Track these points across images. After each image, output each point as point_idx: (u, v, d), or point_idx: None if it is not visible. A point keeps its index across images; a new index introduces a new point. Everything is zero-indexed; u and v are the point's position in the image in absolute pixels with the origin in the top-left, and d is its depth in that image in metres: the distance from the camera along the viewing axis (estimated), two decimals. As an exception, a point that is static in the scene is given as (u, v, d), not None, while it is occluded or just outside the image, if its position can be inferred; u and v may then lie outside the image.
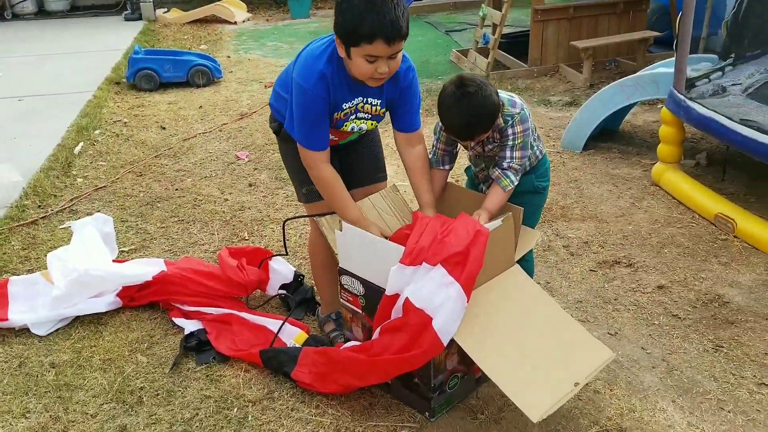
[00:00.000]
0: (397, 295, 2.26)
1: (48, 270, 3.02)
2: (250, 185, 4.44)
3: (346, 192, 2.52)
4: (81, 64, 7.49)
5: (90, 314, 3.00)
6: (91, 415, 2.49)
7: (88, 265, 2.95)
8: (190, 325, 2.91)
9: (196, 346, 2.79)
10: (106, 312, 3.03)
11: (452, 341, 2.28)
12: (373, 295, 2.43)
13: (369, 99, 2.48)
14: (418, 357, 2.22)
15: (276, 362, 2.64)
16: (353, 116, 2.50)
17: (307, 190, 2.67)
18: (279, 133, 2.67)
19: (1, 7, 10.94)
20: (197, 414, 2.47)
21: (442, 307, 2.19)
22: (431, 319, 2.18)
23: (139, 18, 10.17)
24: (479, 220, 2.42)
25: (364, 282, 2.47)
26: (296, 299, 3.07)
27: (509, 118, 2.47)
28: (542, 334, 2.38)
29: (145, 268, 3.04)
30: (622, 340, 2.80)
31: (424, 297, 2.20)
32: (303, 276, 3.21)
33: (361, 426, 2.39)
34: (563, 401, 2.19)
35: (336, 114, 2.46)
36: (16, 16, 10.88)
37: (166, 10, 10.31)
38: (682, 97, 3.78)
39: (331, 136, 2.53)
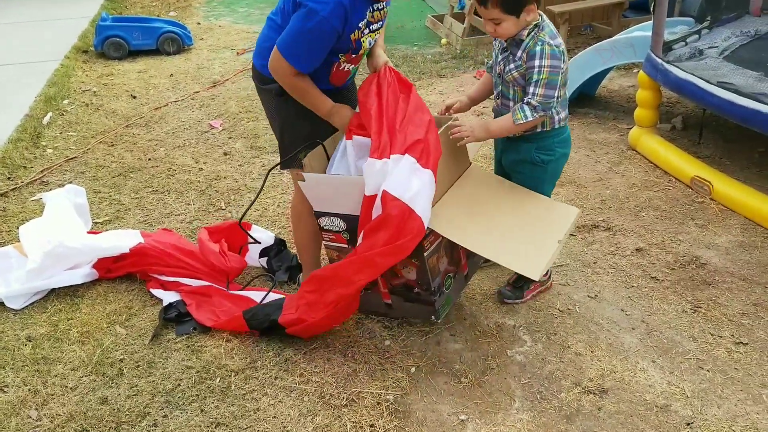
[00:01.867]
0: (375, 195, 2.30)
1: (21, 243, 2.95)
2: (225, 154, 4.37)
3: (317, 89, 2.48)
4: (46, 33, 7.25)
5: (66, 287, 2.95)
6: (71, 388, 2.45)
7: (62, 237, 2.88)
8: (168, 296, 2.87)
9: (176, 318, 2.76)
10: (82, 284, 2.97)
11: (439, 245, 2.45)
12: (354, 224, 2.45)
13: (376, 5, 2.44)
14: (406, 244, 2.26)
15: (261, 315, 2.63)
16: (367, 30, 2.45)
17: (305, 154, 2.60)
18: (283, 94, 2.54)
19: (-40, -27, 10.54)
20: (179, 384, 2.45)
21: (420, 194, 2.27)
22: (412, 208, 2.25)
23: (105, -16, 9.87)
24: (470, 133, 2.49)
25: (343, 216, 2.50)
26: (282, 267, 3.05)
27: (541, 44, 2.36)
28: (515, 211, 2.57)
29: (121, 240, 2.98)
30: (602, 302, 2.82)
31: (399, 185, 2.26)
32: (285, 242, 3.18)
33: (345, 392, 2.39)
34: (554, 258, 2.38)
35: (353, 35, 2.40)
36: (-25, -17, 10.50)
37: (132, -24, 10.01)
38: (659, 60, 3.78)
39: (333, 82, 2.55)
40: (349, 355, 2.57)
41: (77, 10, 8.18)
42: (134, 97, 5.40)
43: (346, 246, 2.58)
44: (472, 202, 2.55)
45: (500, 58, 2.52)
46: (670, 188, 3.69)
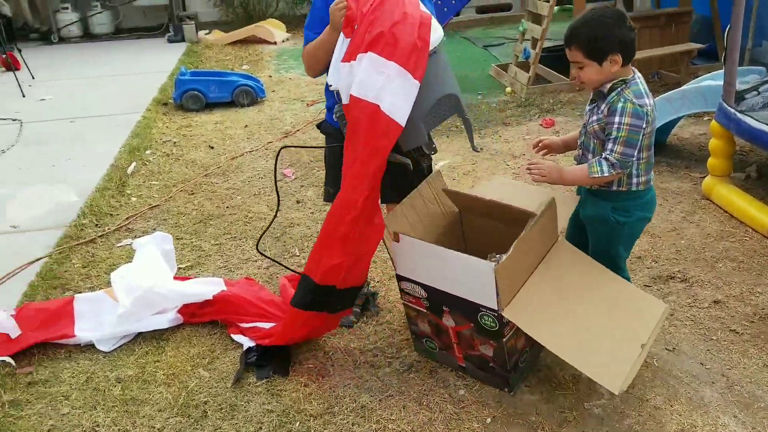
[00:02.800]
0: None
1: (112, 288, 3.12)
2: (298, 202, 4.52)
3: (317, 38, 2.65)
4: (128, 86, 7.70)
5: (152, 331, 3.09)
6: (158, 429, 2.56)
7: (151, 283, 3.03)
8: (249, 341, 2.98)
9: (256, 361, 2.85)
10: (168, 328, 3.11)
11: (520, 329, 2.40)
12: (436, 296, 2.55)
13: None
14: (380, 145, 2.27)
15: (304, 293, 2.59)
16: None
17: (325, 190, 3.03)
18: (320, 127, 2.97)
19: (48, 30, 11.32)
20: (260, 428, 2.53)
21: (385, 90, 2.23)
22: (377, 105, 2.22)
23: (182, 40, 10.43)
24: (547, 174, 2.46)
25: (425, 286, 2.57)
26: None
27: (624, 101, 2.34)
28: (598, 301, 2.49)
29: (205, 287, 3.12)
30: (680, 355, 2.78)
31: (360, 84, 2.23)
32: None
33: (422, 441, 2.42)
34: (637, 366, 2.29)
35: None
36: (62, 40, 11.26)
37: (207, 31, 10.55)
38: (732, 110, 3.76)
39: None
40: (424, 403, 2.61)
41: (156, 65, 8.67)
42: (212, 148, 5.66)
43: (424, 310, 2.66)
44: (556, 288, 2.51)
45: (588, 108, 2.54)
46: (747, 239, 3.62)
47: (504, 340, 2.45)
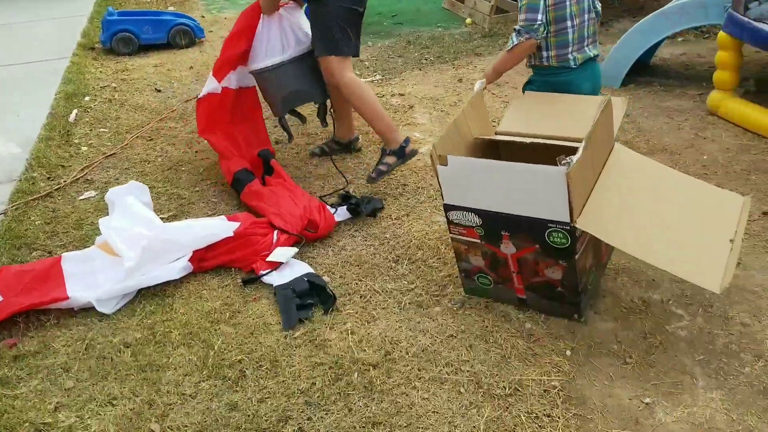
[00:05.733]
0: None
1: (106, 241, 2.63)
2: (277, 143, 4.10)
3: None
4: (44, 32, 6.85)
5: (151, 288, 2.65)
6: (190, 396, 2.17)
7: (157, 230, 2.58)
8: (278, 278, 2.65)
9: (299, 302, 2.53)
10: (169, 284, 2.68)
11: (588, 244, 2.25)
12: (492, 221, 2.27)
13: None
14: None
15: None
16: None
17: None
18: None
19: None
20: (314, 383, 2.18)
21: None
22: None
23: (93, -18, 9.46)
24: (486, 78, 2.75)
25: (479, 212, 2.28)
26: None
27: None
28: (674, 201, 2.32)
29: (220, 224, 2.71)
30: (749, 269, 2.60)
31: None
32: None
33: (504, 381, 2.15)
34: (733, 264, 2.10)
35: None
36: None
37: (121, -27, 9.62)
38: (746, 18, 3.60)
39: None
40: (491, 340, 2.33)
41: (71, 8, 7.79)
42: (159, 91, 5.08)
43: (478, 241, 2.35)
44: (626, 192, 2.28)
45: None
46: (768, 150, 3.51)
47: (576, 257, 2.18)
